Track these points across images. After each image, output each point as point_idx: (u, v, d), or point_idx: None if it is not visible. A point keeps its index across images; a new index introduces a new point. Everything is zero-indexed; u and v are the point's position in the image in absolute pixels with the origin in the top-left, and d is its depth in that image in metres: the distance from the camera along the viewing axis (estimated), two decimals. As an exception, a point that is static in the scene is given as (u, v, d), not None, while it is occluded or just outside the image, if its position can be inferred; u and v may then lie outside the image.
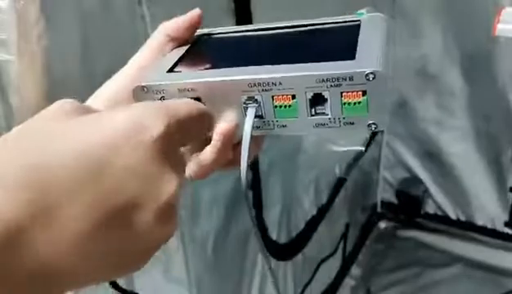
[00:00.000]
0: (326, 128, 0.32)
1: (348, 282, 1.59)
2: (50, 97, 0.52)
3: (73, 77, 0.50)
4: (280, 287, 1.21)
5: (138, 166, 0.24)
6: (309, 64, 0.32)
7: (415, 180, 1.66)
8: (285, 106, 0.32)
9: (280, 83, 0.31)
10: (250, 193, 1.01)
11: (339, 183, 1.42)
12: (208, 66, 0.37)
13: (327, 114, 0.32)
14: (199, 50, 0.39)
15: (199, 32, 0.40)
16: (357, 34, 0.34)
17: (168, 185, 0.25)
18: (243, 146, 0.32)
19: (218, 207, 0.84)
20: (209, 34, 0.41)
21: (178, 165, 0.26)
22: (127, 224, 0.24)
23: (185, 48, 0.38)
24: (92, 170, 0.23)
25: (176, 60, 0.36)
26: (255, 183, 1.01)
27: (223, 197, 0.89)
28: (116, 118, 0.25)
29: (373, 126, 0.31)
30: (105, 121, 0.25)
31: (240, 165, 0.33)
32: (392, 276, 1.57)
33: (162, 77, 0.34)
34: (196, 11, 0.38)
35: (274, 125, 0.33)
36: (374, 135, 1.57)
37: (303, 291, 1.34)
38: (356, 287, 1.58)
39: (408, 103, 1.56)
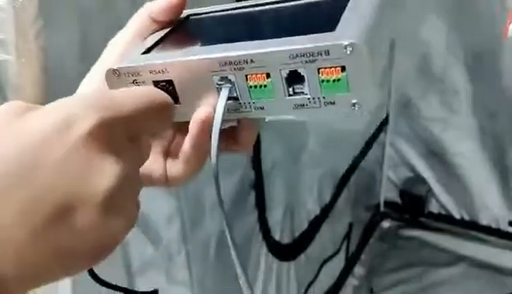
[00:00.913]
0: (306, 109, 0.30)
1: (351, 282, 1.58)
2: (49, 97, 0.51)
3: (72, 76, 0.49)
4: (284, 288, 1.20)
5: (68, 163, 0.22)
6: (284, 39, 0.29)
7: (418, 179, 1.65)
8: (261, 86, 0.30)
9: (252, 61, 0.29)
10: (253, 193, 1.01)
11: (342, 182, 1.41)
12: (185, 47, 0.35)
13: (306, 94, 0.29)
14: (180, 31, 0.37)
15: (186, 12, 0.38)
16: (345, 5, 0.31)
17: (105, 179, 0.23)
18: (213, 130, 0.30)
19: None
20: (196, 14, 0.39)
21: (121, 156, 0.24)
22: (67, 225, 0.22)
23: (166, 30, 0.36)
24: (17, 173, 0.22)
25: (154, 42, 0.34)
26: (258, 183, 1.00)
27: (225, 198, 0.88)
28: (47, 115, 0.23)
29: (357, 106, 0.28)
30: (36, 118, 0.23)
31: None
32: (396, 276, 1.56)
33: (135, 59, 0.32)
34: None
35: (251, 107, 0.31)
36: (377, 133, 1.57)
37: (306, 291, 1.33)
38: (359, 287, 1.57)
39: (412, 102, 1.55)
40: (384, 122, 1.59)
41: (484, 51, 1.35)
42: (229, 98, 0.30)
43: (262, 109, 0.31)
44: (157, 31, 0.36)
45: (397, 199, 1.73)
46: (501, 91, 1.37)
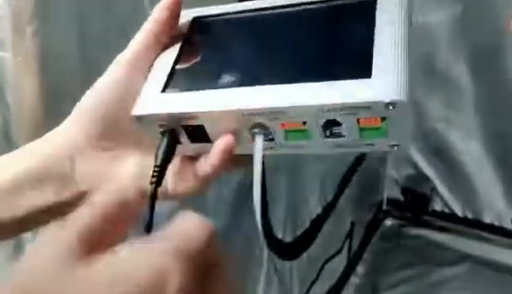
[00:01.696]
0: (344, 148, 0.30)
1: (354, 281, 1.57)
2: (48, 96, 0.51)
3: (70, 75, 0.49)
4: (285, 287, 1.20)
5: None
6: (319, 87, 0.28)
7: (421, 177, 1.64)
8: (297, 131, 0.30)
9: (289, 112, 0.29)
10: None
11: (344, 181, 1.41)
12: (206, 80, 0.33)
13: (344, 136, 0.29)
14: (192, 51, 0.35)
15: (190, 14, 0.37)
16: (373, 25, 0.30)
17: None
18: (254, 182, 0.30)
19: (222, 210, 0.82)
20: (200, 19, 0.37)
21: None
22: None
23: (175, 52, 0.34)
24: None
25: (168, 71, 0.33)
26: (259, 182, 1.00)
27: (227, 200, 0.88)
28: (138, 263, 0.23)
29: (395, 146, 0.29)
30: (127, 263, 0.23)
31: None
32: (399, 274, 1.56)
33: (156, 102, 0.32)
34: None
35: (287, 146, 0.31)
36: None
37: (308, 290, 1.33)
38: (361, 286, 1.57)
39: (415, 100, 1.54)
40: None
41: (488, 50, 1.35)
42: (264, 140, 0.30)
43: (298, 147, 0.31)
44: (163, 51, 0.35)
45: (400, 197, 1.72)
46: (505, 90, 1.36)
